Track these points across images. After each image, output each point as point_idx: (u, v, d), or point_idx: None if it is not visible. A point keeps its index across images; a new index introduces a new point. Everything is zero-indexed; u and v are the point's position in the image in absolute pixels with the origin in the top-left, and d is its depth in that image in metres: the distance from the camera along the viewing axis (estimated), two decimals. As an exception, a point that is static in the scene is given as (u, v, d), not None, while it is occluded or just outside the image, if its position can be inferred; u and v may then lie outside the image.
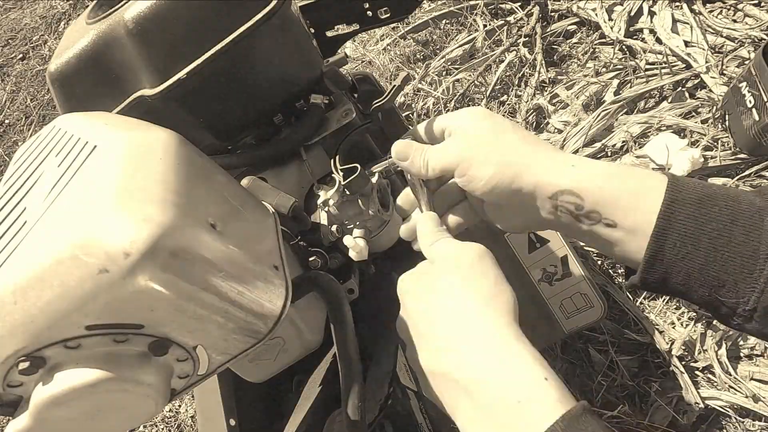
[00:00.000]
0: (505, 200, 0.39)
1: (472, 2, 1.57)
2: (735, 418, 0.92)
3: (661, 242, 0.34)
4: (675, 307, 1.04)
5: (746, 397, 0.91)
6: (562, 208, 0.37)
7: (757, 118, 1.03)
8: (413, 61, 1.62)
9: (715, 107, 1.17)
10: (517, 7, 1.52)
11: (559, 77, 1.40)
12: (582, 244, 1.10)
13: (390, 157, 0.50)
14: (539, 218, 0.39)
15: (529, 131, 0.42)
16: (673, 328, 1.01)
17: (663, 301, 1.05)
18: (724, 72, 1.22)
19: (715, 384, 0.96)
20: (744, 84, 1.07)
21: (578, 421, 0.29)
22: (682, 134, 1.17)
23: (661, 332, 1.01)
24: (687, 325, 1.01)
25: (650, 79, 1.27)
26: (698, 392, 0.94)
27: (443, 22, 1.62)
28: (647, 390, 0.98)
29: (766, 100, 1.00)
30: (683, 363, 0.98)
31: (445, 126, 0.44)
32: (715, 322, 0.98)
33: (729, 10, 1.32)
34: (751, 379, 0.94)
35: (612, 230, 0.36)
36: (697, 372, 0.98)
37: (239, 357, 0.36)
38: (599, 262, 1.11)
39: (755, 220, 0.32)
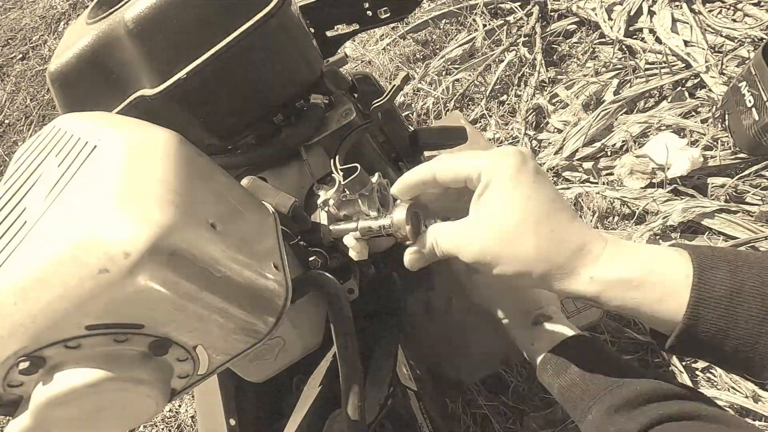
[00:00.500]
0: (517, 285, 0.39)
1: (471, 2, 1.57)
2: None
3: (685, 340, 0.34)
4: (675, 306, 1.04)
5: (746, 397, 0.91)
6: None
7: (756, 118, 1.03)
8: (413, 60, 1.62)
9: (714, 107, 1.17)
10: (516, 7, 1.52)
11: (558, 77, 1.40)
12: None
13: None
14: None
15: (565, 202, 0.37)
16: (673, 327, 1.02)
17: (663, 300, 1.05)
18: (724, 71, 1.22)
19: (715, 384, 0.95)
20: (744, 83, 1.07)
21: None
22: (681, 134, 1.17)
23: (661, 332, 1.02)
24: (687, 324, 1.01)
25: (650, 78, 1.27)
26: (698, 392, 0.94)
27: (443, 21, 1.62)
28: (647, 390, 0.98)
29: (765, 99, 1.00)
30: (683, 363, 0.97)
31: (468, 175, 0.39)
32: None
33: (729, 9, 1.32)
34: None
35: (636, 316, 0.36)
36: (697, 372, 0.98)
37: (239, 357, 0.36)
38: (599, 262, 1.11)
39: None
